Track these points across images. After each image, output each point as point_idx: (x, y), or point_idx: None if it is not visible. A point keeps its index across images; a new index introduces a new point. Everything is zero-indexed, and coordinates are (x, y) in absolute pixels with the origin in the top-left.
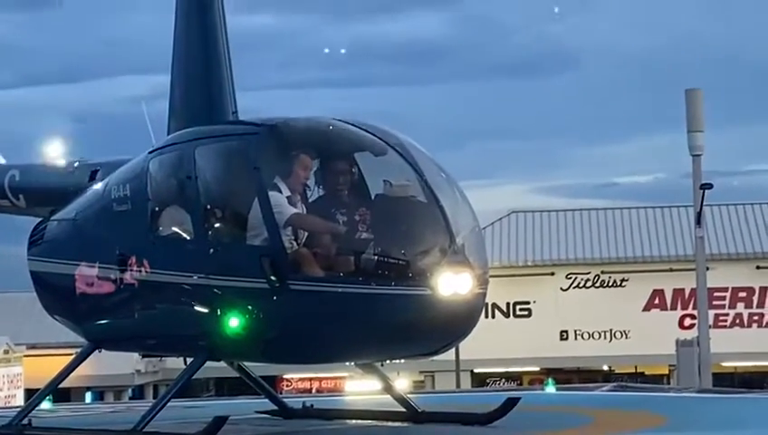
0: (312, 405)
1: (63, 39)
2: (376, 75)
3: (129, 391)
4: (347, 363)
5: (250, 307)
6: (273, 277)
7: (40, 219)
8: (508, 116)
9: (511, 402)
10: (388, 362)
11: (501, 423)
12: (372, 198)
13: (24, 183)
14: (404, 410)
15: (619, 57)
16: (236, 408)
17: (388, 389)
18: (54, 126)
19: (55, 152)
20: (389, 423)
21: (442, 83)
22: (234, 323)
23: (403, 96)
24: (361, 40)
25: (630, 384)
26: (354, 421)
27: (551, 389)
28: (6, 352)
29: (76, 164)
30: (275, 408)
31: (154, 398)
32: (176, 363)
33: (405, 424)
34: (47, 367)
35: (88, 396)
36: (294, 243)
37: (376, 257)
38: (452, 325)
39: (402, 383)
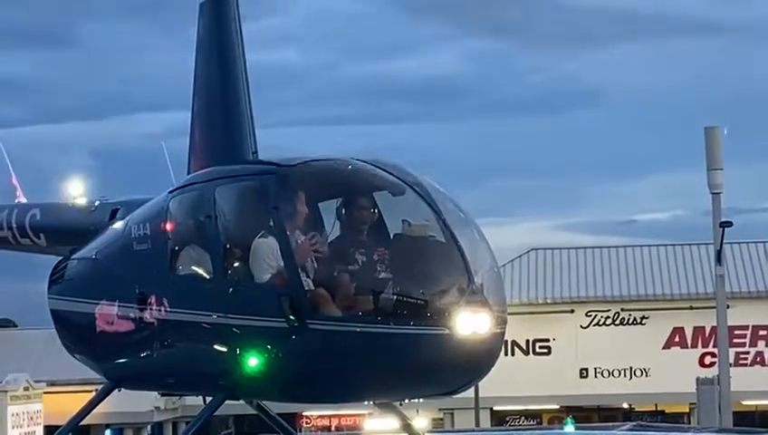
0: None
1: (81, 76)
2: (393, 113)
3: (149, 428)
4: (366, 402)
5: (269, 346)
6: (291, 317)
7: (60, 258)
8: (527, 153)
9: None
10: (407, 400)
11: None
12: (391, 237)
13: (44, 222)
14: None
15: (638, 94)
16: None
17: (406, 428)
18: (72, 163)
19: (75, 191)
20: None
21: (460, 121)
22: (253, 362)
23: (421, 134)
24: (379, 77)
25: (650, 423)
26: None
27: (570, 428)
28: (26, 389)
29: (97, 203)
30: None
31: None
32: (195, 401)
33: None
34: (67, 404)
35: (108, 433)
36: (313, 283)
37: (395, 297)
38: (471, 365)
39: (421, 422)
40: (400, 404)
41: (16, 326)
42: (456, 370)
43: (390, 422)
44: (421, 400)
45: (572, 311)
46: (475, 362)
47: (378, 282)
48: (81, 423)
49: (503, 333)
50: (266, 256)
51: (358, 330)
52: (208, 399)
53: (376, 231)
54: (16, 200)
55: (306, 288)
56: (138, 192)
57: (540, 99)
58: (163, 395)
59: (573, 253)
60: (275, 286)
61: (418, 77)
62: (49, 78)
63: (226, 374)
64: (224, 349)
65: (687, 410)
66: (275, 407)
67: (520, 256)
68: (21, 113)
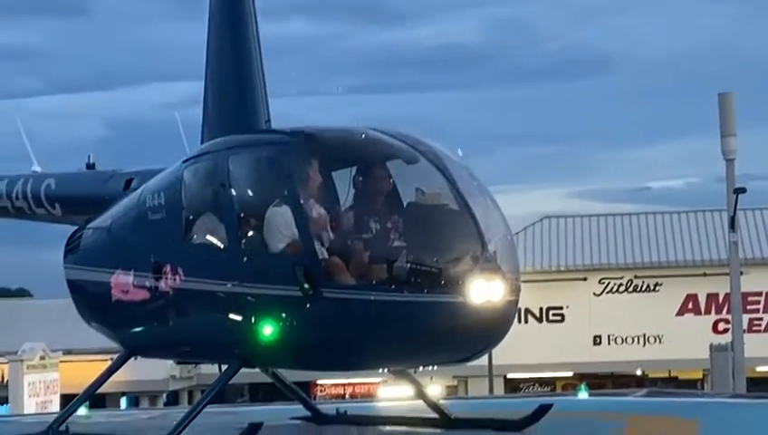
0: (345, 411)
1: (96, 47)
2: (407, 81)
3: (165, 396)
4: (380, 370)
5: (284, 315)
6: (306, 285)
7: (75, 228)
8: (541, 121)
9: (543, 409)
10: (420, 368)
11: (534, 429)
12: (404, 206)
13: (59, 192)
14: (437, 416)
15: (653, 61)
16: (271, 414)
17: (420, 395)
18: (88, 133)
19: (90, 161)
20: (422, 430)
21: (474, 88)
22: (268, 330)
23: (435, 101)
24: (394, 45)
25: (663, 389)
26: (387, 428)
27: (583, 394)
28: (42, 358)
29: (111, 173)
30: (309, 414)
31: (189, 403)
32: (210, 369)
33: (438, 430)
34: (83, 373)
35: (123, 401)
36: (327, 251)
37: (408, 265)
38: (484, 332)
39: (435, 390)
40: (414, 371)
41: (32, 296)
42: (470, 337)
43: (404, 390)
44: (435, 367)
45: (585, 278)
46: (489, 330)
47: (391, 250)
48: (97, 392)
49: (516, 301)
50: (280, 225)
51: (372, 298)
52: (224, 367)
53: (389, 200)
54: (31, 170)
55: (320, 256)
56: (152, 162)
57: (555, 66)
58: (179, 363)
59: (586, 220)
60: (289, 255)
61: (433, 45)
62: (63, 48)
63: (241, 342)
64: (238, 317)
65: (701, 377)
66: (290, 375)
67: (533, 224)
68: (36, 84)
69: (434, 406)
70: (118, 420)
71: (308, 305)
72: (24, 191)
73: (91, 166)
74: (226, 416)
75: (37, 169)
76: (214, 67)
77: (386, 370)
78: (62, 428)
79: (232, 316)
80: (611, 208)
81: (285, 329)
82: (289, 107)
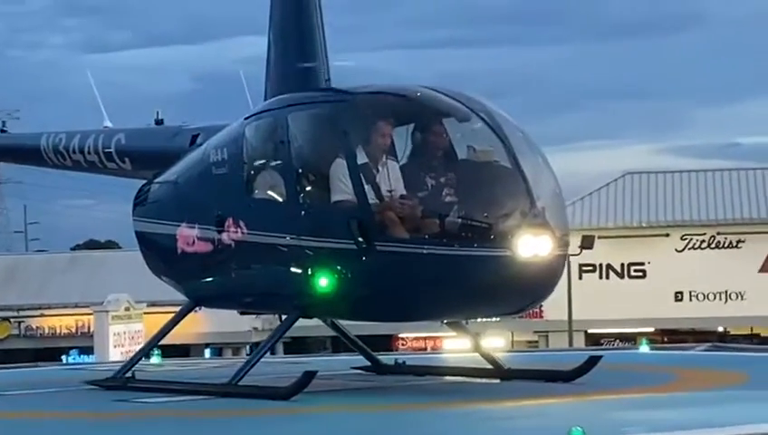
0: (404, 362)
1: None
2: (494, 36)
3: (247, 347)
4: (431, 321)
5: (339, 267)
6: (360, 239)
7: (144, 181)
8: (629, 76)
9: (593, 360)
10: (498, 320)
11: (583, 380)
12: (456, 162)
13: (129, 147)
14: (491, 367)
15: (744, 15)
16: (333, 364)
17: (476, 347)
18: (171, 86)
19: (158, 116)
20: (477, 380)
21: (562, 44)
22: (323, 282)
23: (521, 57)
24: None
25: (725, 344)
26: (444, 378)
27: (644, 348)
28: (127, 309)
29: (178, 128)
30: (369, 365)
31: (271, 354)
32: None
33: (492, 381)
34: None
35: (207, 352)
36: (381, 206)
37: (459, 220)
38: (532, 286)
39: (496, 342)
40: (466, 323)
41: (121, 248)
42: (518, 290)
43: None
44: (517, 320)
45: (668, 235)
46: (537, 284)
47: (443, 206)
48: (182, 343)
49: (564, 256)
50: (336, 181)
51: (423, 251)
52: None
53: (442, 157)
54: (103, 126)
55: (374, 211)
56: (234, 116)
57: (644, 21)
58: (242, 314)
59: (669, 176)
60: (345, 209)
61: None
62: (151, 2)
63: (299, 294)
64: (296, 269)
65: None
66: (371, 328)
67: (615, 180)
68: (123, 37)
69: (489, 358)
70: (185, 369)
71: (362, 258)
72: (95, 146)
73: (159, 121)
74: (290, 365)
75: (108, 124)
76: (276, 27)
77: (441, 321)
78: (129, 375)
79: (290, 268)
80: (701, 164)
81: (340, 281)
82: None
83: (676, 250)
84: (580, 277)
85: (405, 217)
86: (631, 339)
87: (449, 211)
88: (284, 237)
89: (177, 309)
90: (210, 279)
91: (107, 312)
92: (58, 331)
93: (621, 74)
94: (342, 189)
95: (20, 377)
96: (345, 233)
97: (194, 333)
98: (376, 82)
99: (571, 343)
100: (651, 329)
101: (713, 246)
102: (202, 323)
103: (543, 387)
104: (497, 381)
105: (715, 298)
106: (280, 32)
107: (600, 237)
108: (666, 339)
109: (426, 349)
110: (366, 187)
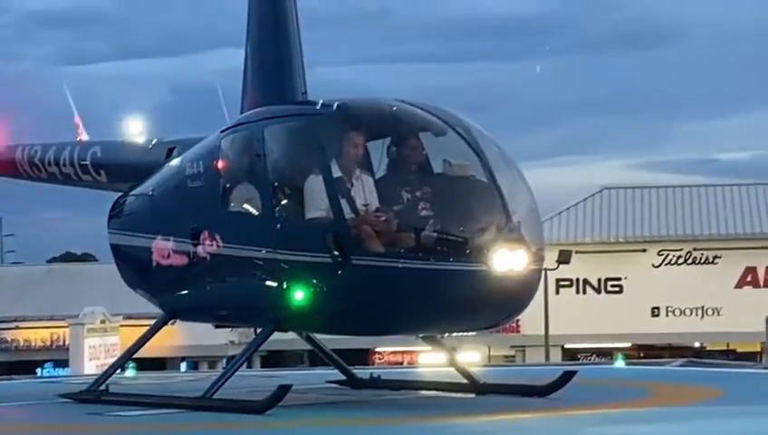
0: (379, 376)
1: (161, 12)
2: (472, 50)
3: (224, 361)
4: (408, 336)
5: (314, 281)
6: (336, 253)
7: (119, 194)
8: (607, 91)
9: (568, 375)
10: (475, 334)
11: (559, 395)
12: (432, 176)
13: (104, 159)
14: (467, 381)
15: (721, 32)
16: (308, 378)
17: (451, 361)
18: (148, 98)
19: (135, 129)
20: (452, 394)
21: (539, 58)
22: (299, 295)
23: (499, 71)
24: (458, 15)
25: (701, 360)
26: (419, 392)
27: (620, 363)
28: (103, 322)
29: (154, 141)
30: (345, 378)
31: (248, 368)
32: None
33: (467, 395)
34: None
35: (183, 366)
36: (356, 220)
37: (435, 234)
38: (508, 300)
39: (472, 357)
40: (441, 338)
41: (97, 260)
42: (494, 305)
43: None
44: (494, 335)
45: (644, 250)
46: (512, 298)
47: (418, 220)
48: (158, 356)
49: (540, 270)
50: (312, 194)
51: (399, 265)
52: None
53: (418, 171)
54: (78, 138)
55: (350, 225)
56: (213, 129)
57: (622, 36)
58: (217, 327)
59: (647, 192)
60: (320, 223)
61: (499, 15)
62: (130, 14)
63: (275, 307)
64: (272, 283)
65: (759, 350)
66: (348, 342)
67: (593, 196)
68: (101, 48)
69: (464, 372)
70: (160, 382)
71: (338, 272)
72: (71, 158)
73: (135, 134)
74: (264, 379)
75: (84, 137)
76: (253, 39)
77: (417, 336)
78: (102, 387)
79: (266, 281)
80: (677, 180)
81: (316, 294)
82: (355, 75)
83: (652, 265)
84: (557, 292)
85: (381, 230)
86: (608, 354)
87: (425, 225)
88: (260, 251)
89: (153, 322)
90: (185, 292)
91: (82, 325)
92: (33, 343)
93: (599, 89)
94: (318, 203)
95: None
96: (321, 246)
97: (170, 346)
98: (353, 95)
99: (547, 358)
100: (628, 344)
101: (689, 261)
102: (178, 337)
103: (519, 402)
104: (472, 395)
105: (691, 314)
106: (257, 44)
107: (577, 252)
108: (642, 354)
109: (402, 363)
110: (342, 200)
